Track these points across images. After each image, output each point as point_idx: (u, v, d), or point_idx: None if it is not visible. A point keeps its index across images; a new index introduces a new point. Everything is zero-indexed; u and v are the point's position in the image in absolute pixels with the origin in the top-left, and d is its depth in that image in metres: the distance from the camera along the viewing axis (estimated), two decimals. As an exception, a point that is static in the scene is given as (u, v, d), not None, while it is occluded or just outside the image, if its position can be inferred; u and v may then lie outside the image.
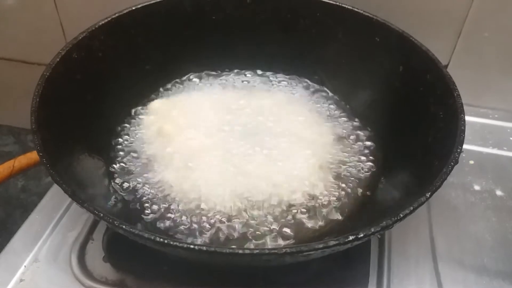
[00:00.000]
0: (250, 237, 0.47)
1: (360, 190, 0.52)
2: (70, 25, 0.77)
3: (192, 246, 0.35)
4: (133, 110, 0.61)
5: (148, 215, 0.49)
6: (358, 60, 0.61)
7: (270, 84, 0.66)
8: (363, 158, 0.56)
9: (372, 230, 0.36)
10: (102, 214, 0.38)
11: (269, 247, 0.46)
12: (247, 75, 0.67)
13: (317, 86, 0.65)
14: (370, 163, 0.55)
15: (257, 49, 0.65)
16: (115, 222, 0.37)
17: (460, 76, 0.56)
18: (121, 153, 0.56)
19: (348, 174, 0.54)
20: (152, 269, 0.49)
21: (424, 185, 0.41)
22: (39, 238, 0.52)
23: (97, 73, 0.56)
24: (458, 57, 0.67)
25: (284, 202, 0.50)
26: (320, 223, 0.49)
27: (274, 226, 0.48)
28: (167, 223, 0.49)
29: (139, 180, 0.52)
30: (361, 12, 0.59)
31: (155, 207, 0.50)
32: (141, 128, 0.58)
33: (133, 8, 0.58)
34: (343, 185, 0.53)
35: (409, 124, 0.53)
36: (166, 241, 0.35)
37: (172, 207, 0.50)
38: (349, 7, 0.59)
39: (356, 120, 0.61)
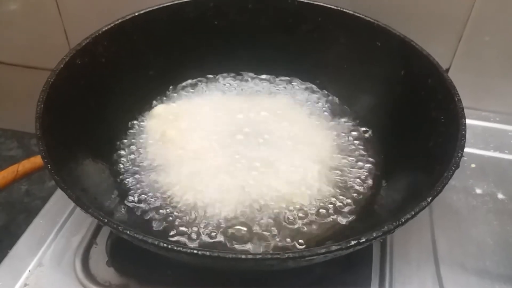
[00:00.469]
0: (253, 242, 0.48)
1: (361, 195, 0.53)
2: (73, 30, 0.77)
3: (195, 251, 0.35)
4: (136, 115, 0.61)
5: (151, 220, 0.49)
6: (359, 64, 0.61)
7: (272, 88, 0.66)
8: (364, 162, 0.56)
9: (374, 235, 0.36)
10: (106, 220, 0.38)
11: (272, 252, 0.46)
12: (249, 79, 0.67)
13: (318, 90, 0.65)
14: (372, 167, 0.55)
15: (259, 53, 0.66)
16: (120, 227, 0.37)
17: (462, 79, 0.57)
18: (124, 158, 0.56)
19: (350, 178, 0.54)
20: (156, 274, 0.49)
21: (425, 189, 0.41)
22: (43, 243, 0.53)
23: (100, 78, 0.56)
24: (460, 61, 0.67)
25: (286, 206, 0.50)
26: (323, 227, 0.49)
27: (277, 231, 0.48)
28: (170, 227, 0.49)
29: (142, 185, 0.53)
30: (363, 16, 0.59)
31: (158, 211, 0.50)
32: (144, 133, 0.59)
33: (136, 14, 0.59)
34: (345, 189, 0.53)
35: (410, 128, 0.54)
36: (169, 246, 0.36)
37: (175, 211, 0.50)
38: (350, 11, 0.60)
39: (358, 124, 0.61)
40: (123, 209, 0.50)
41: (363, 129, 0.60)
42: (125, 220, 0.49)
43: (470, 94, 0.58)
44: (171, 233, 0.48)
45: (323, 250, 0.35)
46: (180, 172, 0.53)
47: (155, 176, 0.53)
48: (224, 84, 0.67)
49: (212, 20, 0.64)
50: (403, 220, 0.37)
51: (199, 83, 0.67)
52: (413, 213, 0.38)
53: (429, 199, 0.39)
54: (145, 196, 0.52)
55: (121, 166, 0.55)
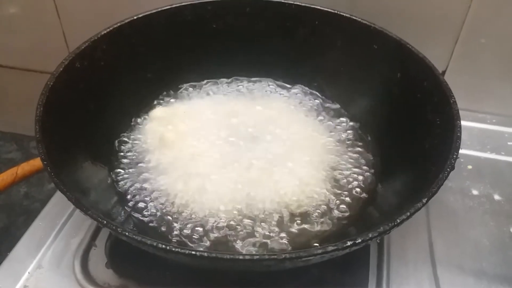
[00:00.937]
0: (251, 243, 0.48)
1: (358, 196, 0.53)
2: (72, 34, 0.78)
3: (193, 252, 0.36)
4: (135, 118, 0.61)
5: (150, 222, 0.50)
6: (356, 67, 0.61)
7: (270, 91, 0.67)
8: (361, 163, 0.56)
9: (370, 235, 0.36)
10: (105, 221, 0.38)
11: (270, 252, 0.47)
12: (247, 82, 0.68)
13: (316, 93, 0.66)
14: (369, 169, 0.56)
15: (257, 56, 0.66)
16: (118, 229, 0.37)
17: (458, 81, 0.57)
18: (123, 160, 0.56)
19: (347, 179, 0.55)
20: (155, 275, 0.49)
21: (421, 190, 0.41)
22: (42, 245, 0.53)
23: (100, 81, 0.56)
24: (456, 63, 0.68)
25: (284, 207, 0.51)
26: (320, 228, 0.50)
27: (275, 232, 0.49)
28: (169, 229, 0.49)
29: (141, 187, 0.53)
30: (359, 20, 0.59)
31: (157, 213, 0.50)
32: (143, 136, 0.59)
33: (134, 17, 0.59)
34: (342, 190, 0.53)
35: (406, 130, 0.54)
36: (168, 247, 0.36)
37: (173, 213, 0.50)
38: (347, 15, 0.60)
39: (355, 126, 0.61)
40: (122, 211, 0.51)
41: (360, 131, 0.60)
42: (123, 222, 0.49)
43: (466, 96, 0.59)
44: (170, 234, 0.49)
45: (320, 251, 0.35)
46: (179, 174, 0.54)
47: (153, 178, 0.54)
48: (222, 87, 0.67)
49: (210, 23, 0.64)
50: (398, 221, 0.38)
51: (198, 85, 0.67)
52: (408, 214, 0.38)
53: (424, 200, 0.39)
54: (144, 198, 0.52)
55: (120, 168, 0.55)
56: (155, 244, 0.36)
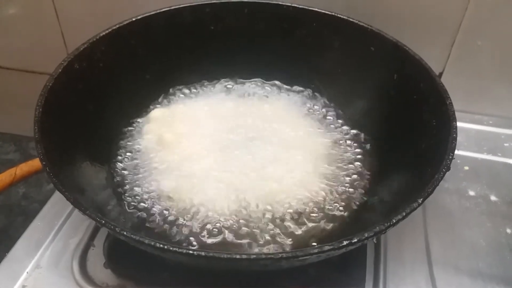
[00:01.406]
0: (249, 243, 0.48)
1: (355, 196, 0.53)
2: (71, 35, 0.78)
3: (191, 252, 0.36)
4: (133, 119, 0.62)
5: (148, 222, 0.50)
6: (353, 68, 0.62)
7: (267, 92, 0.67)
8: (358, 164, 0.57)
9: (366, 235, 0.37)
10: (104, 221, 0.38)
11: (266, 252, 0.47)
12: (245, 83, 0.68)
13: (313, 94, 0.66)
14: (365, 169, 0.56)
15: (255, 58, 0.66)
16: (117, 228, 0.38)
17: (455, 83, 0.58)
18: (122, 161, 0.56)
19: (343, 180, 0.55)
20: (153, 275, 0.49)
21: (417, 191, 0.41)
22: (41, 245, 0.53)
23: (98, 83, 0.57)
24: (453, 65, 0.68)
25: (281, 208, 0.51)
26: (316, 228, 0.50)
27: (272, 232, 0.49)
28: (166, 229, 0.49)
29: (139, 187, 0.53)
30: (356, 22, 0.60)
31: (154, 214, 0.51)
32: (141, 137, 0.59)
33: (133, 19, 0.59)
34: (339, 191, 0.54)
35: (403, 131, 0.54)
36: (165, 247, 0.36)
37: (171, 213, 0.51)
38: (344, 17, 0.60)
39: (352, 127, 0.61)
40: (120, 211, 0.51)
41: (356, 132, 0.61)
42: (122, 222, 0.50)
43: (463, 97, 0.59)
44: (168, 234, 0.49)
45: (316, 250, 0.36)
46: (177, 175, 0.54)
47: (152, 179, 0.54)
48: (221, 88, 0.67)
49: (209, 25, 0.64)
50: (394, 221, 0.38)
51: (196, 87, 0.67)
52: (404, 214, 0.38)
53: (420, 201, 0.39)
54: (142, 199, 0.52)
55: (119, 169, 0.55)
56: (153, 243, 0.36)
